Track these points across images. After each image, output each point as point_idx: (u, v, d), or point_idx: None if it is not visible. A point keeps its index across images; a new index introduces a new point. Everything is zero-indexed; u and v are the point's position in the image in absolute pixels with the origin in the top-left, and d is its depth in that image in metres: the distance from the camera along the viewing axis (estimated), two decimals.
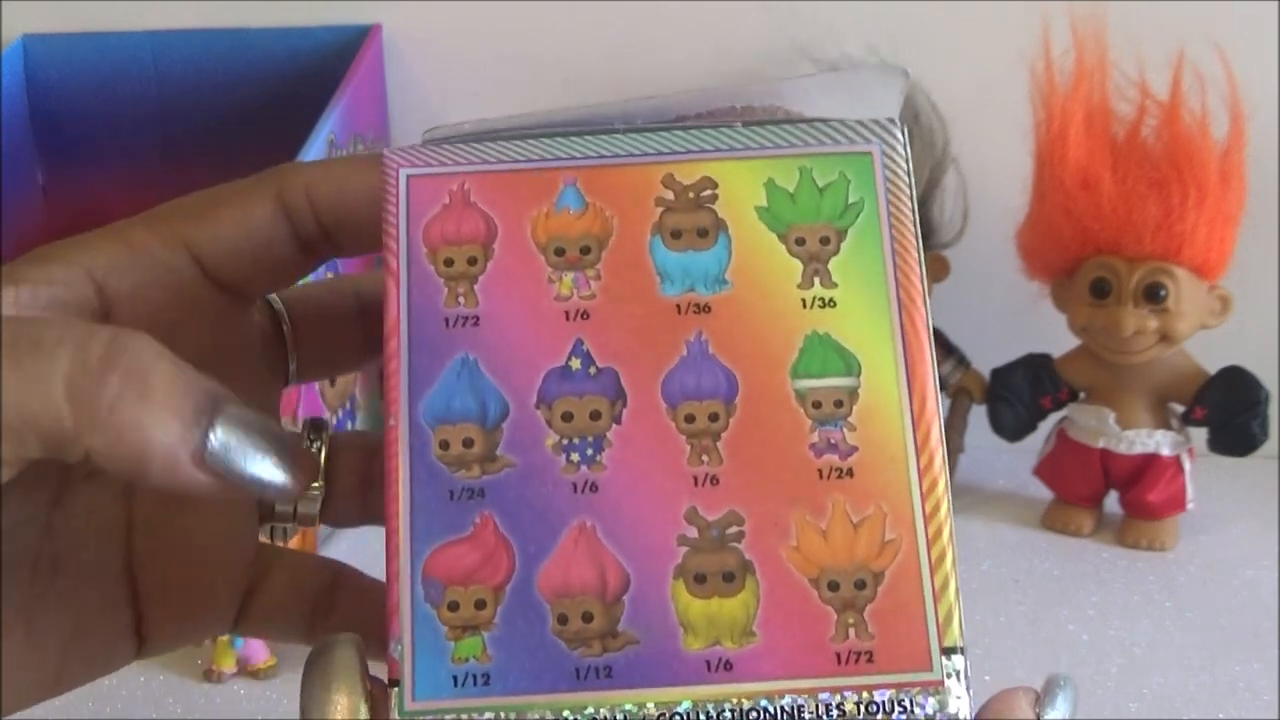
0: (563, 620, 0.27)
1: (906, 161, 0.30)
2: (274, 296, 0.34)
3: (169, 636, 0.34)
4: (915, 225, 0.29)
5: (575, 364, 0.28)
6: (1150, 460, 0.79)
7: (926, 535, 0.27)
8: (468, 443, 0.28)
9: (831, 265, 0.29)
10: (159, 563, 0.33)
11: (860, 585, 0.27)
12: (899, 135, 0.30)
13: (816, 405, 0.28)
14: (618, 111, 0.30)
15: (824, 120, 0.30)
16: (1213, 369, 0.79)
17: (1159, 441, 0.79)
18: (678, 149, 0.30)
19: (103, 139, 0.91)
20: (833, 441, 0.28)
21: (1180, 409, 0.80)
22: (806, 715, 0.26)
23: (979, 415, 0.84)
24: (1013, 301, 0.82)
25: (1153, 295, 0.75)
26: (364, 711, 0.26)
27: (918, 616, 0.27)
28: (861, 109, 0.30)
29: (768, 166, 0.29)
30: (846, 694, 0.26)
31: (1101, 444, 0.80)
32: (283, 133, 0.77)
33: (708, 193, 0.29)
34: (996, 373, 0.83)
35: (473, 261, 0.29)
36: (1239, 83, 0.75)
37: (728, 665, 0.26)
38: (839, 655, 0.26)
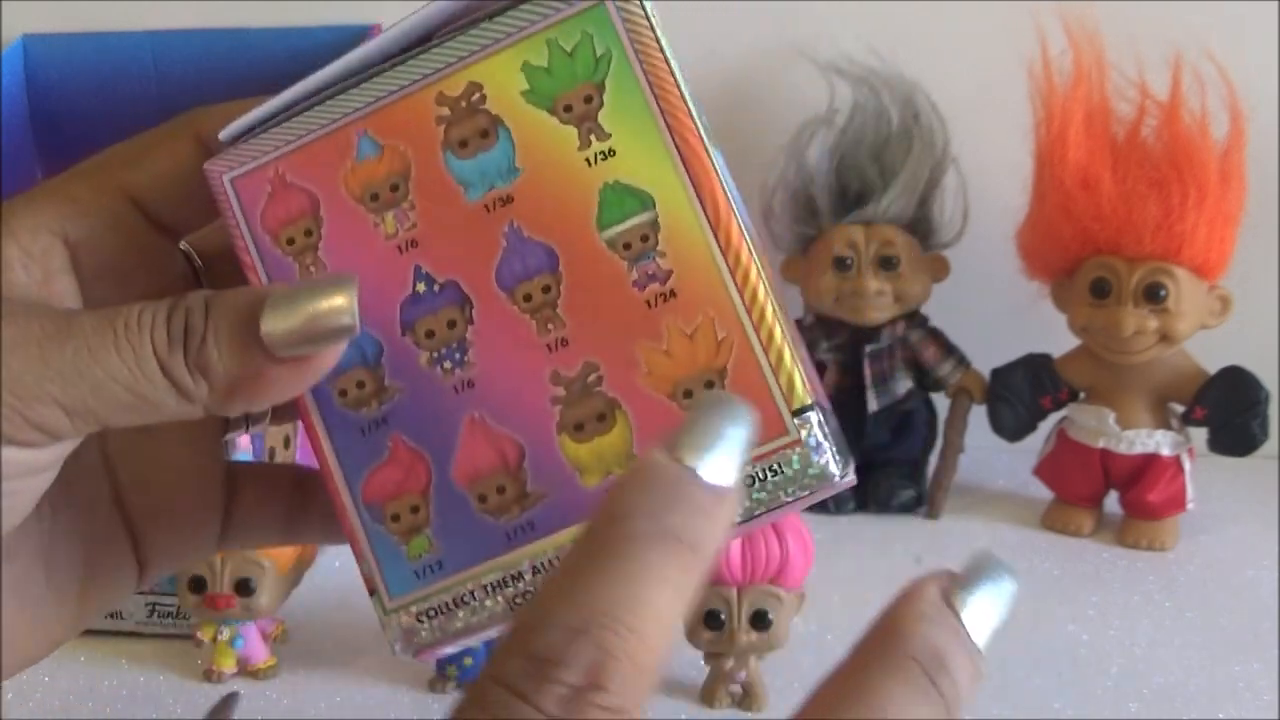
0: (482, 499, 0.32)
1: None
2: (184, 242, 0.37)
3: (164, 558, 0.36)
4: (664, 50, 0.32)
5: (421, 288, 0.32)
6: (1150, 460, 0.79)
7: (752, 322, 0.30)
8: (360, 385, 0.33)
9: (601, 119, 0.31)
10: (142, 491, 0.36)
11: (710, 385, 0.31)
12: None
13: (627, 246, 0.31)
14: (375, 48, 0.33)
15: None
16: (1213, 369, 0.79)
17: (1159, 441, 0.79)
18: (439, 65, 0.32)
19: (103, 139, 0.90)
20: (650, 272, 0.31)
21: (1180, 409, 0.80)
22: None
23: (979, 415, 0.84)
24: (1013, 301, 0.82)
25: (1153, 295, 0.75)
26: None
27: (764, 393, 0.30)
28: None
29: (519, 51, 0.32)
30: None
31: (1101, 444, 0.80)
32: None
33: (476, 96, 0.32)
34: (996, 373, 0.83)
35: (309, 233, 0.33)
36: (1238, 83, 0.75)
37: None
38: None
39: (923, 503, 0.84)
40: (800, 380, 0.30)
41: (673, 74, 0.31)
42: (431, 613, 0.32)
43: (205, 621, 0.68)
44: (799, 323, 0.84)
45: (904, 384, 0.83)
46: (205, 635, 0.68)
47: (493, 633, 0.32)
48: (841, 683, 0.26)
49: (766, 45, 0.86)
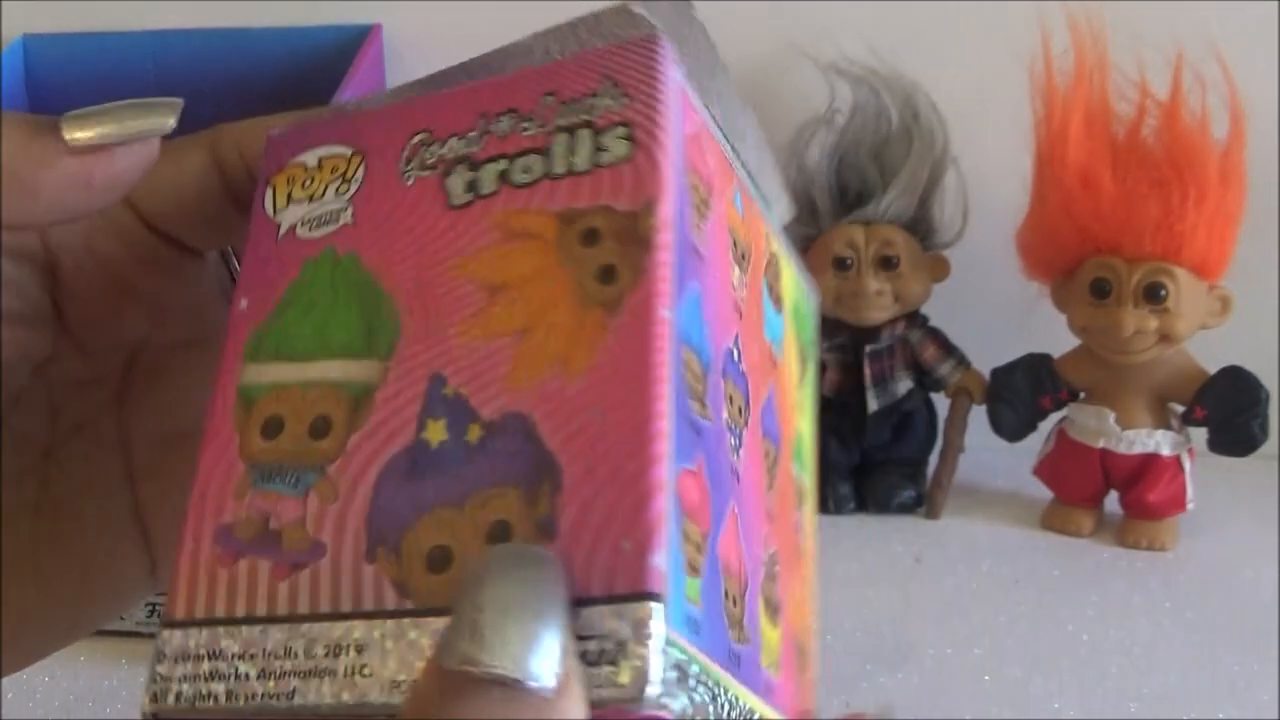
0: (728, 596, 0.24)
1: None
2: (229, 251, 0.35)
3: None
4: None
5: (736, 354, 0.26)
6: (1150, 460, 0.79)
7: None
8: (696, 375, 0.24)
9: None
10: (165, 506, 0.34)
11: None
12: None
13: None
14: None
15: None
16: (1213, 369, 0.79)
17: (1159, 441, 0.79)
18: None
19: None
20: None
21: (1180, 409, 0.80)
22: None
23: (979, 415, 0.84)
24: (1013, 301, 0.82)
25: (1153, 295, 0.75)
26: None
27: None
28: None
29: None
30: None
31: (1101, 444, 0.80)
32: None
33: None
34: (996, 373, 0.83)
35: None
36: (1239, 83, 0.75)
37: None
38: None
39: (923, 503, 0.84)
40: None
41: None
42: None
43: None
44: None
45: (904, 384, 0.83)
46: None
47: None
48: None
49: (766, 45, 0.86)
